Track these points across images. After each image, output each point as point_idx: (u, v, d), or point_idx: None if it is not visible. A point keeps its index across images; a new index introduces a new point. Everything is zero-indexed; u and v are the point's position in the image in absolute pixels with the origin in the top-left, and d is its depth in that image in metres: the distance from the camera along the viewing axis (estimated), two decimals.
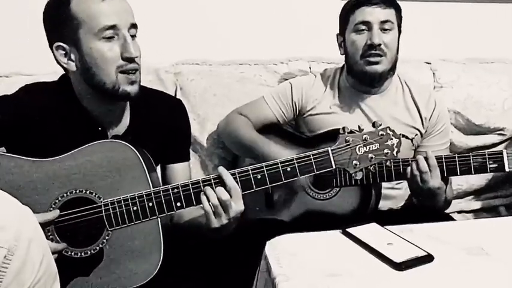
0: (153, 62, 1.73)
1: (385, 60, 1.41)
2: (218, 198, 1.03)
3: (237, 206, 1.05)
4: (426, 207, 1.38)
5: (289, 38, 1.87)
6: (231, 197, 1.04)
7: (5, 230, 0.70)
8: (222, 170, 1.06)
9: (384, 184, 1.46)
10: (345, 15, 1.46)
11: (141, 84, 1.13)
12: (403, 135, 1.40)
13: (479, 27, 2.03)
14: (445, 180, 1.32)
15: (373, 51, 1.40)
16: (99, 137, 1.12)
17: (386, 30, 1.41)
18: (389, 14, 1.41)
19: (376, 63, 1.41)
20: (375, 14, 1.39)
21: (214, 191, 1.04)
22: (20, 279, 0.71)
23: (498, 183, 1.88)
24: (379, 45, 1.39)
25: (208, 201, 1.04)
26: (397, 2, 1.45)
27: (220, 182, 1.05)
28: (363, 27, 1.41)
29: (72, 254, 1.07)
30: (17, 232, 0.70)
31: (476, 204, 1.88)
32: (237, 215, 1.06)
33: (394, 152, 1.06)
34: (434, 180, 1.27)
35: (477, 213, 1.86)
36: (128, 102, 1.18)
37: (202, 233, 1.13)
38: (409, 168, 1.30)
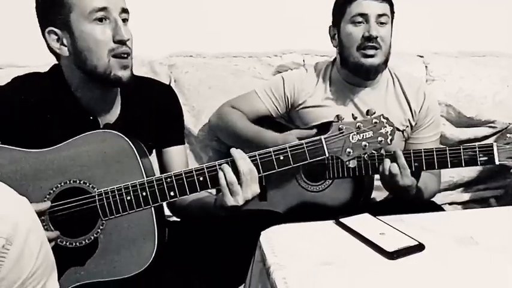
0: (147, 54, 1.73)
1: (381, 53, 1.42)
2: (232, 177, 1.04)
3: (254, 188, 1.05)
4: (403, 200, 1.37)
5: (283, 30, 1.87)
6: (240, 183, 1.04)
7: (3, 220, 0.70)
8: (234, 151, 1.06)
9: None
10: (340, 7, 1.46)
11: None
12: None
13: (471, 20, 2.05)
14: (416, 175, 1.33)
15: (369, 44, 1.40)
16: (91, 126, 1.12)
17: (382, 23, 1.42)
18: (385, 7, 1.42)
19: (372, 56, 1.41)
20: (371, 7, 1.40)
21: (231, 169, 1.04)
22: (18, 269, 0.72)
23: (489, 176, 1.91)
24: (376, 37, 1.40)
25: (225, 177, 1.04)
26: None
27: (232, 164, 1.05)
28: (360, 19, 1.41)
29: (67, 243, 1.07)
30: (15, 222, 0.71)
31: (467, 196, 1.90)
32: (253, 196, 1.06)
33: (388, 140, 1.05)
34: (405, 179, 1.26)
35: (468, 204, 1.88)
36: (119, 90, 1.18)
37: (209, 212, 1.14)
38: (381, 167, 1.28)
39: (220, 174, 1.05)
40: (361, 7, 1.41)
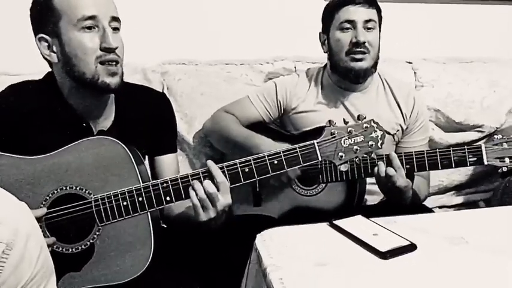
0: (140, 62, 1.74)
1: (369, 57, 1.46)
2: (206, 192, 1.05)
3: (225, 199, 1.07)
4: (396, 203, 1.38)
5: (274, 38, 1.90)
6: (218, 190, 1.05)
7: (3, 225, 0.71)
8: (210, 163, 1.07)
9: (371, 180, 1.49)
10: (329, 14, 1.50)
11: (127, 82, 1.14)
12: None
13: (458, 27, 2.09)
14: (411, 177, 1.35)
15: (358, 49, 1.44)
16: (84, 133, 1.13)
17: (369, 29, 1.45)
18: (372, 13, 1.45)
19: (361, 60, 1.44)
20: (359, 13, 1.44)
21: (202, 185, 1.06)
22: (18, 274, 0.72)
23: (478, 179, 1.94)
24: (364, 43, 1.43)
25: (196, 194, 1.06)
26: (379, 3, 1.49)
27: (209, 175, 1.07)
28: (348, 25, 1.45)
29: (63, 249, 1.08)
30: (15, 227, 0.72)
31: (457, 199, 1.93)
32: (225, 208, 1.08)
33: (379, 144, 1.07)
34: (400, 180, 1.28)
35: (458, 208, 1.91)
36: (113, 98, 1.19)
37: (192, 225, 1.14)
38: (376, 169, 1.30)
39: (192, 193, 1.06)
40: (348, 13, 1.44)
